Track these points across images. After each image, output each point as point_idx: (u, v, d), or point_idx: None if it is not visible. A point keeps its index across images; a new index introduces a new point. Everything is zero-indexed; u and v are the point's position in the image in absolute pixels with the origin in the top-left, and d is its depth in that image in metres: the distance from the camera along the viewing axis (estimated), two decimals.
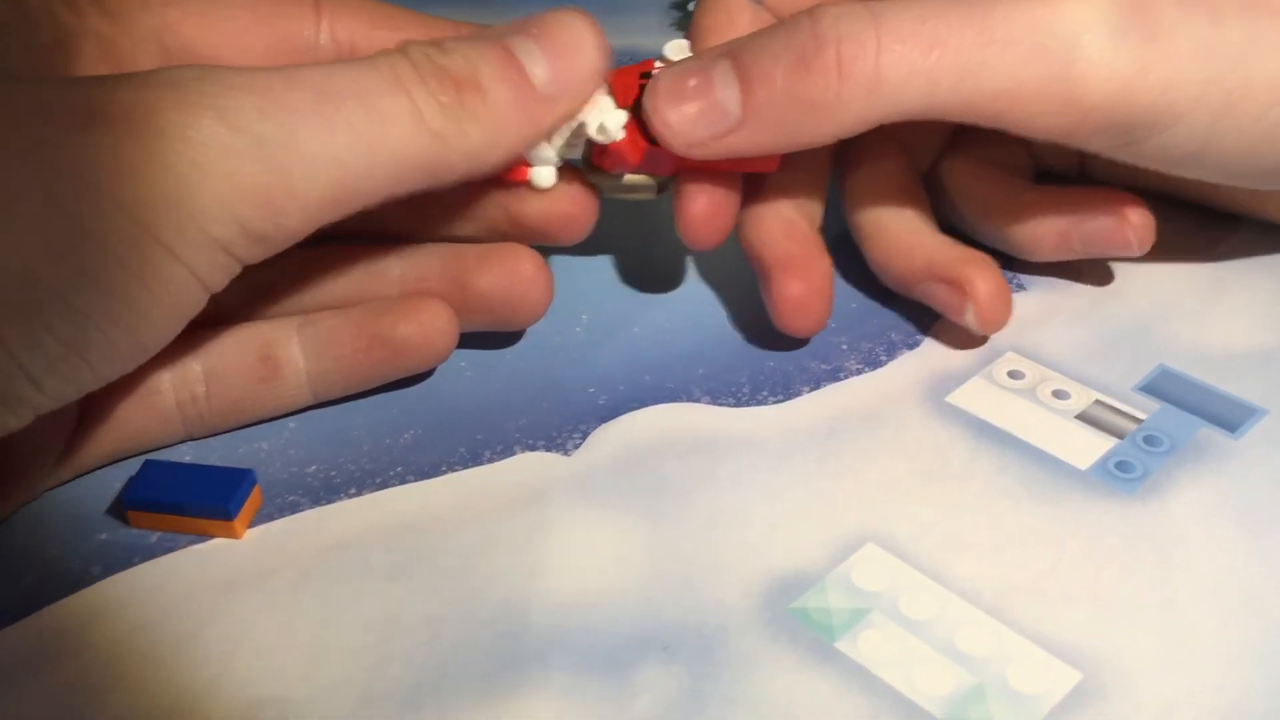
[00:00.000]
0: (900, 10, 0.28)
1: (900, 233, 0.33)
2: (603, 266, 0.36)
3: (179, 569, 0.27)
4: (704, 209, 0.31)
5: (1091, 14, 0.27)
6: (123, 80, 0.24)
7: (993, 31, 0.27)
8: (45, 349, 0.23)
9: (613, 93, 0.29)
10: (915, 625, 0.25)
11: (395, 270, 0.31)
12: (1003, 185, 0.34)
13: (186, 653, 0.25)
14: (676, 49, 0.30)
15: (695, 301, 0.35)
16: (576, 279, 0.35)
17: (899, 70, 0.27)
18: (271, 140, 0.24)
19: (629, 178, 0.31)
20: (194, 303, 0.24)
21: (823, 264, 0.32)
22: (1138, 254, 0.33)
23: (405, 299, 0.31)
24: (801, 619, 0.25)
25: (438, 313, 0.30)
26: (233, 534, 0.27)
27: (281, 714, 0.24)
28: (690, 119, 0.28)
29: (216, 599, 0.26)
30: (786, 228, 0.32)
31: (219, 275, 0.24)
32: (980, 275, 0.31)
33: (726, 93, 0.28)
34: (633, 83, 0.30)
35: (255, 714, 0.24)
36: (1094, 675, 0.24)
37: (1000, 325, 0.32)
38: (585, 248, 0.37)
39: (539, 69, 0.27)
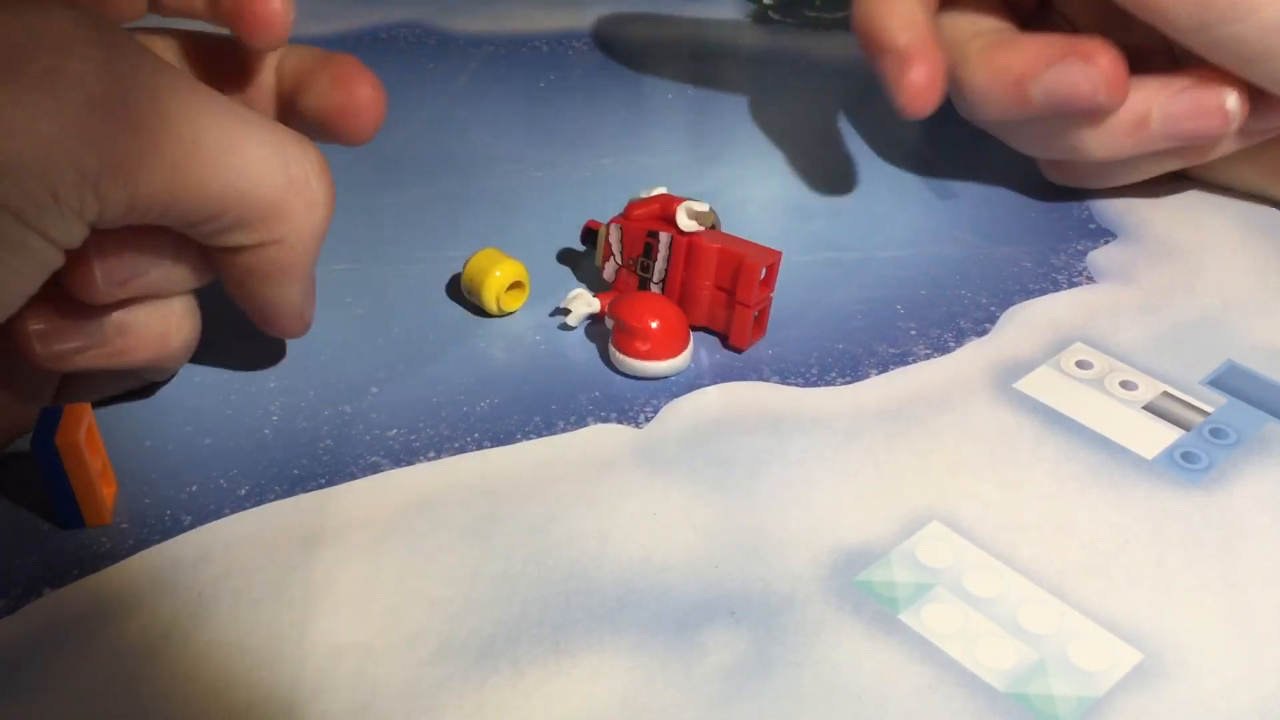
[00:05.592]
0: None
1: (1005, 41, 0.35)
2: None
3: (266, 521, 0.28)
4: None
5: None
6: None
7: None
8: None
9: (622, 238, 0.33)
10: (978, 601, 0.26)
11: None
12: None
13: (272, 598, 0.26)
14: (688, 210, 0.32)
15: None
16: None
17: None
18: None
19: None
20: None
21: (940, 54, 0.34)
22: (1106, 105, 0.33)
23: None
24: (866, 591, 0.26)
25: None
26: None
27: (362, 660, 0.25)
28: None
29: (302, 550, 0.27)
30: (908, 19, 0.34)
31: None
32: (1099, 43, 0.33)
33: None
34: (640, 233, 0.33)
35: (337, 659, 0.25)
36: (1155, 655, 0.25)
37: (1124, 92, 0.33)
38: None
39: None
